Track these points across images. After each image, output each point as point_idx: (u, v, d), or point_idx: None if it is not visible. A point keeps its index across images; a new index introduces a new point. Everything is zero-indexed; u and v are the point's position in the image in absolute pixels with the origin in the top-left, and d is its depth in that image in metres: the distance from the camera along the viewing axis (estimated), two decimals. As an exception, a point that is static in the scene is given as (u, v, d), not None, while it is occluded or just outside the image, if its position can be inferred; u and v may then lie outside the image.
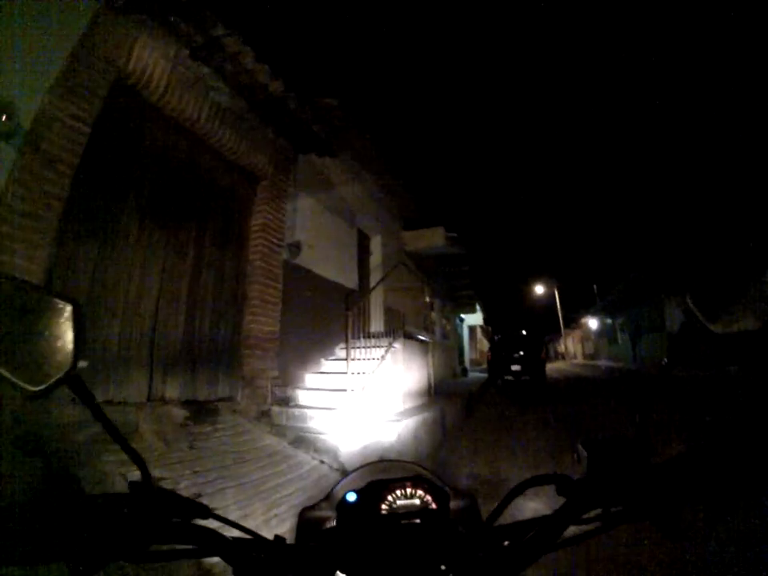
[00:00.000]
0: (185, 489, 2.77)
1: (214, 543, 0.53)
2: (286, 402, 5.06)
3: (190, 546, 0.53)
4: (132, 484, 0.53)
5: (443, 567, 0.54)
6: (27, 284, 0.53)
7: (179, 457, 3.24)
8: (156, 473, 2.83)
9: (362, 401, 4.75)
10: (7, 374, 0.48)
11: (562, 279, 40.03)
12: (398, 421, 4.82)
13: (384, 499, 0.74)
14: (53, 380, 0.49)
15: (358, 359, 5.13)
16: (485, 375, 15.51)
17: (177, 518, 0.54)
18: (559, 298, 36.34)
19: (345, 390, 4.77)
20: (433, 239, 10.25)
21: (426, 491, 0.76)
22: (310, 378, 5.68)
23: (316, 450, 4.13)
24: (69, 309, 0.51)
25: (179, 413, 3.91)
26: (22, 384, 0.49)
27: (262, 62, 4.51)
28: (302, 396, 5.11)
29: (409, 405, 6.02)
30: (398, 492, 0.75)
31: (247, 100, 4.97)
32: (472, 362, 24.72)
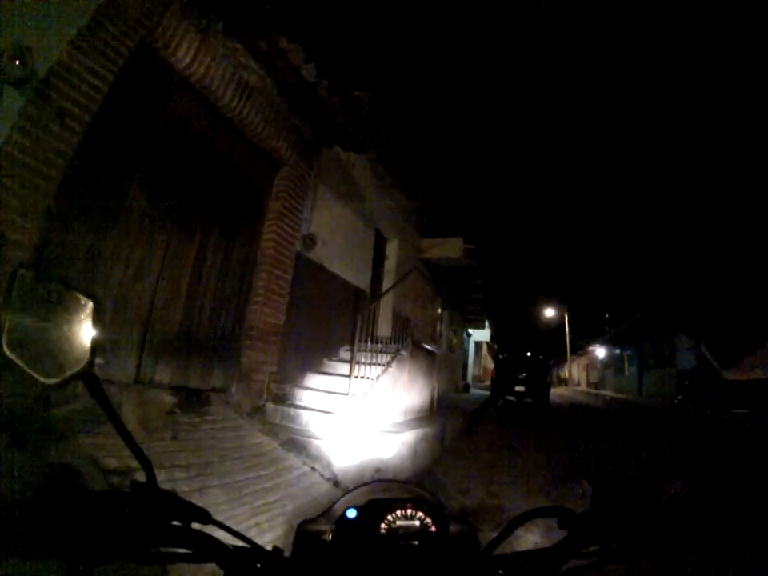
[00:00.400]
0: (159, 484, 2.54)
1: (212, 550, 0.52)
2: (282, 399, 4.82)
3: (188, 551, 0.52)
4: (134, 484, 0.53)
5: None
6: (48, 277, 0.54)
7: (160, 447, 3.01)
8: (132, 463, 2.60)
9: (363, 407, 4.50)
10: (23, 365, 0.48)
11: (572, 304, 39.55)
12: (397, 432, 4.59)
13: (384, 518, 0.72)
14: (68, 375, 0.50)
15: (363, 363, 4.89)
16: (487, 393, 15.29)
17: (177, 521, 0.53)
18: (568, 323, 35.88)
19: (346, 394, 4.51)
20: (450, 249, 10.04)
21: (427, 514, 0.75)
22: (310, 378, 5.43)
23: (308, 456, 3.89)
24: (89, 305, 0.52)
25: (167, 399, 3.68)
26: (37, 376, 0.49)
27: (297, 43, 4.33)
28: (299, 395, 4.86)
29: (410, 416, 5.79)
30: (399, 512, 0.73)
31: (277, 82, 4.79)
32: (475, 377, 24.45)
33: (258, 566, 0.56)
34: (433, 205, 9.71)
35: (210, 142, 4.40)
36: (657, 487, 0.53)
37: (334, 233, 6.29)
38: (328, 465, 3.82)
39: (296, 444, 4.01)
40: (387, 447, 4.22)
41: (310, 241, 5.61)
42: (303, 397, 4.83)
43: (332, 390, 4.83)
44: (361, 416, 4.42)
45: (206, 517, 0.57)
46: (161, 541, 0.51)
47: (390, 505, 0.74)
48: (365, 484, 1.00)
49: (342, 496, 0.96)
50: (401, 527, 0.71)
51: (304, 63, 4.53)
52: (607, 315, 32.00)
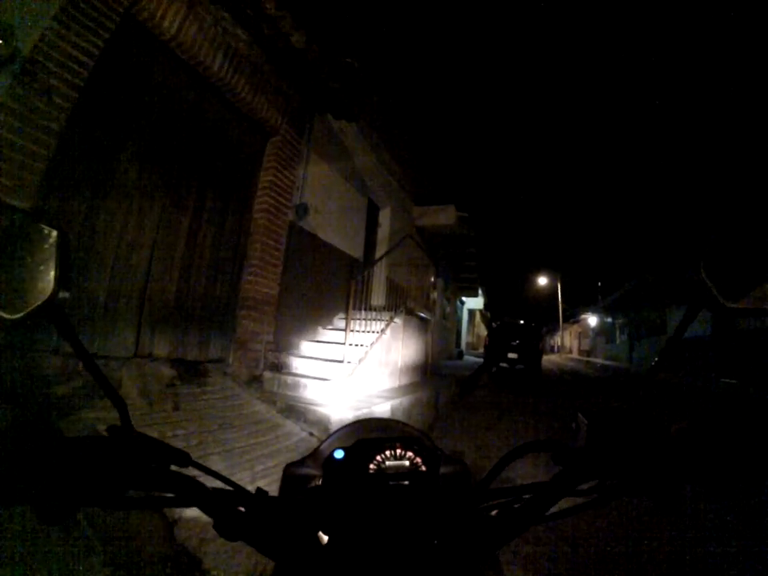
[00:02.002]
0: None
1: (194, 492, 0.50)
2: (279, 368, 4.89)
3: (168, 495, 0.50)
4: (111, 428, 0.51)
5: (429, 530, 0.55)
6: (11, 208, 0.60)
7: (162, 417, 3.06)
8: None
9: (358, 373, 4.58)
10: None
11: (565, 273, 39.74)
12: (391, 398, 4.68)
13: (372, 459, 0.70)
14: (32, 308, 0.48)
15: (358, 331, 4.94)
16: (480, 360, 15.50)
17: (155, 464, 0.51)
18: (561, 291, 36.20)
19: (341, 362, 4.58)
20: (443, 217, 10.00)
21: (417, 453, 0.72)
22: (306, 346, 5.49)
23: (306, 421, 3.96)
24: (54, 235, 0.49)
25: (166, 371, 3.72)
26: (3, 310, 0.47)
27: (285, 9, 4.19)
28: (296, 363, 4.94)
29: (404, 381, 5.89)
30: (388, 452, 0.71)
31: (266, 50, 4.65)
32: (468, 345, 24.75)
33: (242, 508, 0.54)
34: (426, 173, 9.59)
35: (200, 112, 4.32)
36: (655, 420, 0.51)
37: (326, 202, 6.23)
38: (326, 430, 3.90)
39: (294, 411, 4.09)
40: (382, 412, 4.31)
41: (302, 210, 5.56)
42: (300, 365, 4.90)
43: (328, 358, 4.89)
44: (356, 382, 4.50)
45: (185, 459, 0.55)
46: (139, 484, 0.48)
47: (379, 444, 0.72)
48: (352, 423, 0.98)
49: (329, 437, 0.94)
50: (390, 467, 0.69)
51: (293, 30, 4.40)
52: (600, 284, 32.28)
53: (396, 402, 4.62)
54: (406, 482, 0.63)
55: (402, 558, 0.53)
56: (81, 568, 1.67)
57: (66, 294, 0.49)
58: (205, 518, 0.51)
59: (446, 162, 10.43)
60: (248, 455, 3.03)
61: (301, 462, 0.88)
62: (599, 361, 24.91)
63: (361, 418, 0.99)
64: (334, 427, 3.90)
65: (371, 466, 0.69)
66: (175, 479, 0.50)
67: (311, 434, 3.85)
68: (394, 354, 5.56)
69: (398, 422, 1.05)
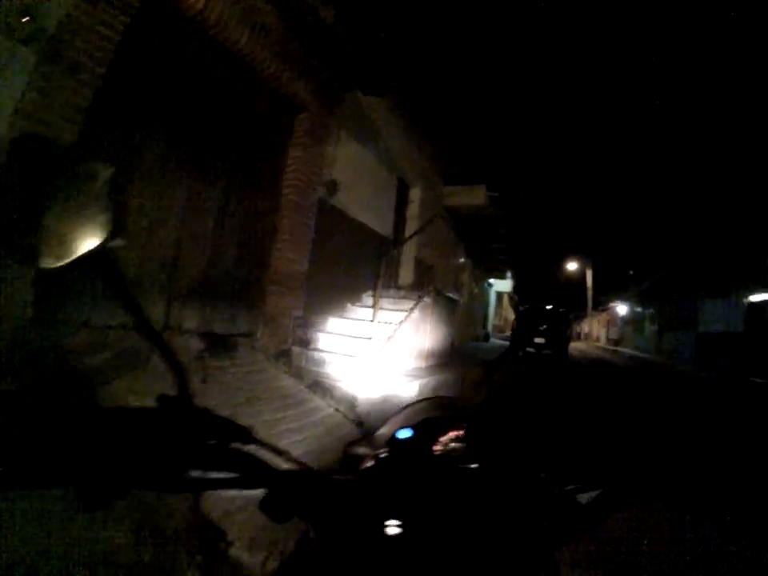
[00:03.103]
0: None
1: (260, 473, 0.46)
2: (307, 343, 4.90)
3: (230, 475, 0.45)
4: (162, 398, 0.48)
5: (496, 518, 0.52)
6: (56, 145, 0.58)
7: (190, 390, 3.10)
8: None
9: (385, 352, 4.55)
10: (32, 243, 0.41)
11: (597, 259, 38.75)
12: (418, 377, 4.66)
13: (438, 439, 0.66)
14: (78, 256, 0.42)
15: (386, 309, 4.90)
16: (506, 343, 15.37)
17: (215, 441, 0.47)
18: (591, 278, 35.41)
19: (369, 339, 4.56)
20: (474, 196, 9.78)
21: (483, 435, 0.71)
22: (334, 322, 5.49)
23: (332, 398, 3.98)
24: (106, 173, 0.44)
25: (195, 344, 3.77)
26: (46, 257, 0.42)
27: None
28: (323, 339, 4.94)
29: (430, 362, 5.86)
30: (454, 434, 0.68)
31: (294, 25, 4.53)
32: (495, 328, 24.56)
33: (309, 488, 0.51)
34: (457, 151, 9.39)
35: (230, 87, 4.28)
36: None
37: (356, 179, 6.16)
38: (352, 407, 3.90)
39: (321, 386, 4.10)
40: (408, 390, 4.29)
41: (332, 187, 5.52)
42: (327, 341, 4.90)
43: (355, 335, 4.88)
44: (383, 360, 4.47)
45: (246, 435, 0.51)
46: (197, 464, 0.43)
47: (446, 425, 0.69)
48: (416, 402, 0.95)
49: (393, 416, 0.90)
50: (456, 449, 0.66)
51: (321, 4, 4.29)
52: (631, 272, 31.46)
53: (423, 381, 4.60)
54: (474, 465, 0.59)
55: (468, 543, 0.49)
56: (105, 535, 1.69)
57: (120, 242, 0.44)
58: (230, 491, 0.46)
59: (478, 140, 10.18)
60: (275, 429, 3.05)
61: (362, 441, 0.84)
62: (627, 351, 24.45)
63: (425, 397, 0.95)
64: (360, 404, 3.91)
65: (437, 447, 0.66)
66: (239, 458, 0.46)
67: (337, 410, 3.86)
68: (421, 333, 5.51)
69: (463, 402, 1.02)
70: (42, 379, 2.38)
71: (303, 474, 0.53)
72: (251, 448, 0.50)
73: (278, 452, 0.57)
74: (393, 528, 0.50)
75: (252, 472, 0.46)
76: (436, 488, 0.54)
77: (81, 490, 0.37)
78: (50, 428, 0.37)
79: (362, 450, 0.79)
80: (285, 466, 0.54)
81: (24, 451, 0.35)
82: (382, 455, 0.73)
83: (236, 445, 0.49)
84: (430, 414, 0.82)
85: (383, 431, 0.82)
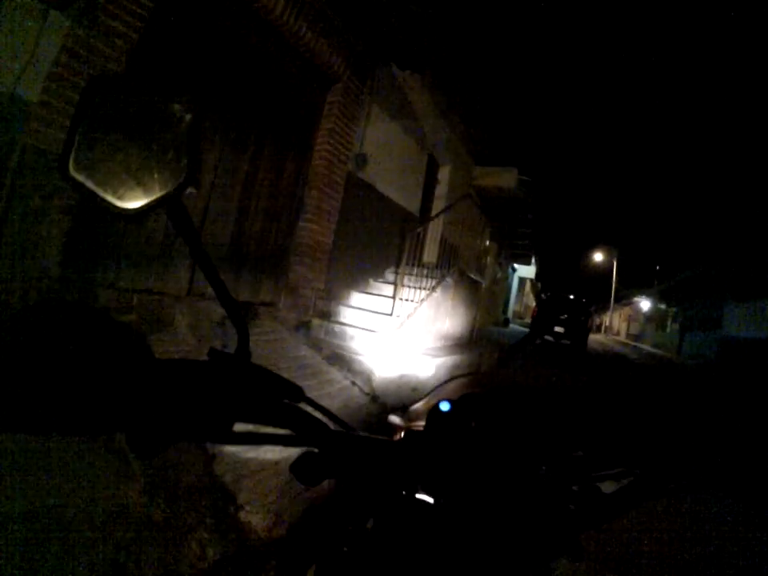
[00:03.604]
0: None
1: (312, 431, 0.47)
2: (328, 316, 4.94)
3: (286, 431, 0.46)
4: (212, 352, 0.46)
5: (533, 496, 0.53)
6: (143, 84, 0.42)
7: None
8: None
9: (405, 328, 4.57)
10: (93, 187, 0.39)
11: (623, 252, 37.92)
12: (436, 356, 4.67)
13: (477, 414, 0.64)
14: (155, 199, 0.41)
15: (408, 286, 4.90)
16: (525, 330, 15.27)
17: (268, 396, 0.47)
18: (616, 270, 34.70)
19: (389, 315, 4.57)
20: (505, 179, 9.61)
21: (521, 412, 0.70)
22: (355, 297, 5.52)
23: (350, 371, 4.02)
24: (188, 118, 0.42)
25: (217, 310, 3.83)
26: (112, 201, 0.40)
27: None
28: (344, 313, 4.97)
29: (449, 342, 5.86)
30: (493, 408, 0.68)
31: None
32: (515, 313, 24.41)
33: (358, 450, 0.51)
34: (490, 133, 9.18)
35: (262, 56, 4.24)
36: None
37: (386, 154, 6.09)
38: (368, 380, 3.94)
39: (339, 359, 4.15)
40: (425, 368, 4.32)
41: (361, 160, 5.47)
42: (348, 314, 4.93)
43: (376, 310, 4.89)
44: (402, 337, 4.49)
45: (298, 393, 0.51)
46: (249, 417, 0.44)
47: (485, 400, 0.69)
48: (457, 377, 0.95)
49: (434, 390, 0.90)
50: (495, 424, 0.66)
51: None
52: (658, 267, 30.74)
53: (440, 360, 4.61)
54: (512, 440, 0.60)
55: (497, 518, 0.51)
56: (119, 492, 1.75)
57: (194, 190, 0.43)
58: (242, 454, 0.47)
59: (512, 123, 9.94)
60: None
61: (402, 411, 0.84)
62: (646, 347, 24.06)
63: (467, 373, 0.97)
64: (377, 379, 3.95)
65: (474, 422, 0.64)
66: (292, 414, 0.46)
67: (353, 383, 3.91)
68: (443, 313, 5.51)
69: (503, 379, 1.02)
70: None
71: (352, 435, 0.54)
72: (303, 406, 0.50)
73: (327, 413, 0.58)
74: (426, 495, 0.52)
75: (306, 430, 0.47)
76: (472, 461, 0.54)
77: (131, 437, 0.38)
78: (93, 375, 0.36)
79: (398, 420, 0.80)
80: (332, 426, 0.54)
81: (75, 398, 0.35)
82: (420, 425, 0.73)
83: (288, 401, 0.49)
84: (468, 390, 0.81)
85: (419, 405, 0.82)
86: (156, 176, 0.42)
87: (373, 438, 0.54)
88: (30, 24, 2.47)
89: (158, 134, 0.42)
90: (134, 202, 0.41)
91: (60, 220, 2.70)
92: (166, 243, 3.53)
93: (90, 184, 0.39)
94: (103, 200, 0.40)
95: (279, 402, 0.48)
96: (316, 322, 4.79)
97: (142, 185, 0.41)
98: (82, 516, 1.56)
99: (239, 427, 0.45)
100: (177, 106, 0.42)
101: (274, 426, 0.46)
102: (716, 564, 1.87)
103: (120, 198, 0.41)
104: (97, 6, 2.70)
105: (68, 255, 2.78)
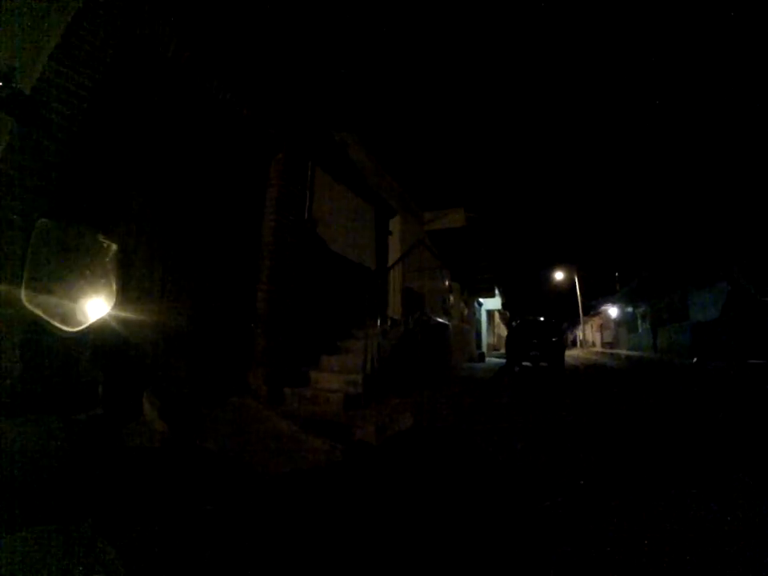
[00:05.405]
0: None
1: None
2: (298, 383, 4.90)
3: None
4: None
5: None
6: (71, 222, 0.42)
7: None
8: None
9: (377, 382, 4.56)
10: (43, 315, 0.43)
11: (582, 265, 39.20)
12: (413, 404, 4.66)
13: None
14: (93, 322, 0.45)
15: (375, 339, 4.94)
16: (501, 361, 15.34)
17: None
18: (579, 284, 35.72)
19: (357, 373, 4.57)
20: (453, 220, 10.00)
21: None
22: (324, 359, 5.51)
23: (328, 435, 3.95)
24: (113, 249, 0.47)
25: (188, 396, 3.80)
26: (58, 325, 0.45)
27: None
28: (314, 377, 4.94)
29: (423, 386, 5.86)
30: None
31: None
32: (490, 346, 24.53)
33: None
34: (433, 176, 9.59)
35: (206, 131, 4.43)
36: None
37: (335, 215, 6.27)
38: (350, 443, 3.88)
39: (314, 425, 4.08)
40: (404, 421, 4.30)
41: (311, 226, 5.61)
42: (319, 378, 4.90)
43: (346, 369, 4.89)
44: (376, 391, 4.48)
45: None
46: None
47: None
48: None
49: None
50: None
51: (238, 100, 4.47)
52: (617, 273, 31.81)
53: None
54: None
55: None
56: None
57: (121, 313, 0.46)
58: None
59: (453, 163, 10.42)
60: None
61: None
62: (623, 352, 24.37)
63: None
64: (357, 437, 3.89)
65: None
66: None
67: (333, 446, 3.84)
68: (412, 360, 5.54)
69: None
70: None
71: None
72: None
73: None
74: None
75: None
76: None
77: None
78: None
79: None
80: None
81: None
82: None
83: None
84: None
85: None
86: (94, 300, 0.45)
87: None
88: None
89: (90, 263, 0.46)
90: (78, 325, 0.45)
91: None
92: (126, 342, 3.50)
93: (40, 312, 0.43)
94: (52, 326, 0.44)
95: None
96: (287, 391, 4.73)
97: (84, 309, 0.45)
98: None
99: None
100: (103, 239, 0.47)
101: None
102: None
103: (66, 323, 0.45)
104: (36, 102, 2.79)
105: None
